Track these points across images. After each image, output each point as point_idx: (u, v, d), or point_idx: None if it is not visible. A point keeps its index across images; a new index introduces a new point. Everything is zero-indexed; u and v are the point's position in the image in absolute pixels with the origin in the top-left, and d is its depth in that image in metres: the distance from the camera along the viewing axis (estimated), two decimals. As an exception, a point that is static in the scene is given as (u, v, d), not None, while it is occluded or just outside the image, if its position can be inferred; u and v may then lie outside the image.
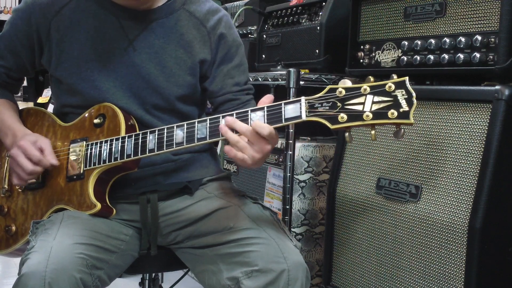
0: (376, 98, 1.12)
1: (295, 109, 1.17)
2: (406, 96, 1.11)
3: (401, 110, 1.10)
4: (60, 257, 1.19)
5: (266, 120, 1.20)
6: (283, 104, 1.19)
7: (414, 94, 1.10)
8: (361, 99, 1.13)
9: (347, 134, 1.18)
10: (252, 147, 1.20)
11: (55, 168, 1.44)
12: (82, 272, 1.21)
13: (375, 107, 1.12)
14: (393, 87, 1.11)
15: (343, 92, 1.14)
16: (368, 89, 1.13)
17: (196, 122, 1.27)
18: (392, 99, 1.11)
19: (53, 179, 1.44)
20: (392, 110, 1.11)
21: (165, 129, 1.31)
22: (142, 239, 1.46)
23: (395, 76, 1.13)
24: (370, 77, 1.14)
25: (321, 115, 1.16)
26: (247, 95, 1.56)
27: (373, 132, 1.15)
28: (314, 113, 1.16)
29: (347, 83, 1.15)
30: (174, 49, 1.47)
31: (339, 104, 1.14)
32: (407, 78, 1.11)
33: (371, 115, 1.12)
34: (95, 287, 1.25)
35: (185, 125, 1.29)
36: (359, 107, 1.13)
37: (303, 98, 1.17)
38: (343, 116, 1.14)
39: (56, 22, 1.45)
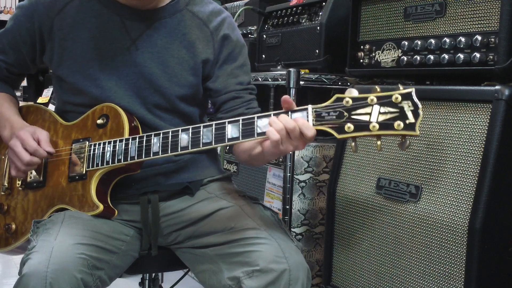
0: (383, 109, 1.12)
1: (302, 118, 1.18)
2: (413, 108, 1.11)
3: (407, 121, 1.11)
4: (61, 257, 1.19)
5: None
6: (290, 112, 1.19)
7: (420, 106, 1.11)
8: (367, 110, 1.13)
9: (353, 144, 1.18)
10: (291, 142, 1.19)
11: (56, 167, 1.44)
12: (83, 273, 1.21)
13: (381, 118, 1.12)
14: (399, 98, 1.11)
15: (350, 102, 1.14)
16: (375, 99, 1.13)
17: (202, 127, 1.27)
18: (398, 110, 1.11)
19: (55, 178, 1.44)
20: (398, 122, 1.11)
21: (170, 132, 1.31)
22: (142, 239, 1.46)
23: (401, 87, 1.13)
24: (376, 87, 1.14)
25: (328, 125, 1.16)
26: (250, 94, 1.55)
27: (379, 142, 1.15)
28: (320, 122, 1.17)
29: (353, 92, 1.15)
30: (177, 49, 1.47)
31: (346, 113, 1.14)
32: (413, 90, 1.12)
33: (377, 126, 1.12)
34: (96, 287, 1.26)
35: (190, 129, 1.28)
36: (366, 118, 1.13)
37: (310, 107, 1.18)
38: (349, 126, 1.14)
39: (59, 21, 1.46)
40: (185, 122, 1.40)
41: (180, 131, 1.29)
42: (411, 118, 1.11)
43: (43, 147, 1.40)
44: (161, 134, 1.32)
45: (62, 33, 1.46)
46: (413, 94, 1.11)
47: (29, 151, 1.39)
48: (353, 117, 1.14)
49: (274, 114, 1.20)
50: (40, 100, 3.40)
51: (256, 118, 1.22)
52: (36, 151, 1.39)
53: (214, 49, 1.50)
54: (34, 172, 1.47)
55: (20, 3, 1.52)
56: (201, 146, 1.26)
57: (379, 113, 1.12)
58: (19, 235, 1.47)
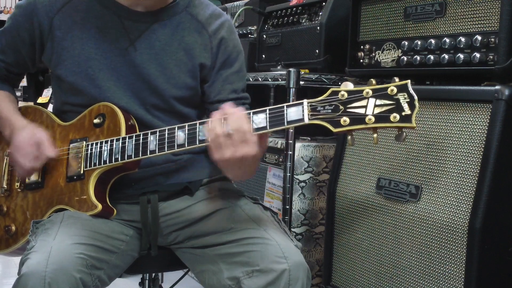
0: (378, 102, 1.12)
1: (298, 112, 1.17)
2: (408, 100, 1.10)
3: (403, 113, 1.10)
4: (60, 257, 1.19)
5: (268, 123, 1.20)
6: (285, 106, 1.18)
7: (416, 98, 1.10)
8: (363, 102, 1.13)
9: (349, 137, 1.17)
10: (229, 149, 1.18)
11: (54, 168, 1.44)
12: (82, 272, 1.21)
13: (377, 110, 1.12)
14: (395, 90, 1.11)
15: (346, 95, 1.14)
16: (370, 92, 1.12)
17: (198, 124, 1.27)
18: (394, 102, 1.11)
19: (53, 179, 1.44)
20: (394, 114, 1.10)
21: (166, 130, 1.31)
22: (142, 239, 1.46)
23: (397, 79, 1.13)
24: (372, 80, 1.14)
25: (323, 119, 1.15)
26: (242, 104, 1.54)
27: (375, 135, 1.14)
28: (316, 116, 1.16)
29: (349, 86, 1.15)
30: (175, 51, 1.47)
31: (341, 107, 1.14)
32: (409, 82, 1.11)
33: (373, 119, 1.11)
34: (95, 287, 1.25)
35: (186, 126, 1.28)
36: (362, 111, 1.12)
37: (305, 101, 1.17)
38: (345, 120, 1.13)
39: (58, 20, 1.45)
40: (184, 123, 1.39)
41: (176, 128, 1.29)
42: (407, 110, 1.10)
43: (44, 152, 1.41)
44: (158, 132, 1.32)
45: (61, 33, 1.45)
46: (409, 85, 1.11)
47: (29, 158, 1.40)
48: (348, 110, 1.13)
49: (270, 109, 1.20)
50: (40, 100, 3.40)
51: (252, 113, 1.21)
52: (37, 158, 1.40)
53: (212, 53, 1.50)
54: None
55: (18, 2, 1.51)
56: (197, 143, 1.26)
57: (375, 105, 1.12)
58: (19, 237, 1.47)
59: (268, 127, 1.19)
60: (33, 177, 1.47)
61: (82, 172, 1.40)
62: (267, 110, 1.20)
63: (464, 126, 1.51)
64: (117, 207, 1.43)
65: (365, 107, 1.12)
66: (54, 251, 1.20)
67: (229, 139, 1.18)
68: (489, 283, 1.47)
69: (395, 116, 1.10)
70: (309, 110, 1.16)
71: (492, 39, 1.47)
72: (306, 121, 1.16)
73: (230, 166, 1.22)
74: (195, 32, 1.49)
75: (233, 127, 1.18)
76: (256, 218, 1.38)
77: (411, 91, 1.11)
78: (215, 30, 1.50)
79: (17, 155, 1.41)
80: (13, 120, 1.48)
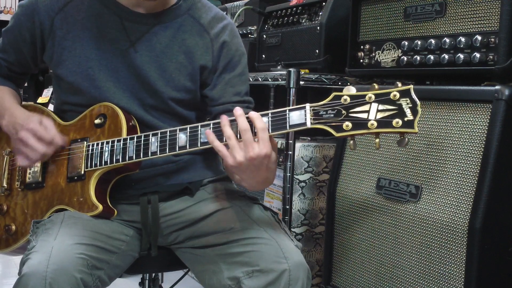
0: (381, 107, 1.12)
1: (300, 116, 1.17)
2: (411, 105, 1.10)
3: (405, 119, 1.10)
4: (60, 257, 1.19)
5: (270, 126, 1.19)
6: (287, 110, 1.18)
7: (418, 103, 1.10)
8: (365, 107, 1.13)
9: (351, 142, 1.17)
10: (242, 150, 1.18)
11: (55, 167, 1.44)
12: (83, 273, 1.21)
13: (379, 115, 1.12)
14: (398, 95, 1.11)
15: (348, 99, 1.14)
16: (373, 97, 1.12)
17: (199, 126, 1.27)
18: (396, 107, 1.11)
19: (54, 179, 1.44)
20: (396, 119, 1.10)
21: (168, 132, 1.31)
22: (142, 239, 1.46)
23: (399, 84, 1.13)
24: (374, 84, 1.14)
25: (326, 123, 1.15)
26: (246, 108, 1.52)
27: (377, 140, 1.15)
28: (318, 120, 1.16)
29: (351, 90, 1.15)
30: (175, 54, 1.47)
31: (344, 111, 1.14)
32: (411, 87, 1.11)
33: (375, 124, 1.11)
34: (96, 287, 1.26)
35: (188, 128, 1.28)
36: (364, 115, 1.13)
37: (307, 105, 1.17)
38: (348, 124, 1.13)
39: (59, 20, 1.45)
40: (183, 124, 1.40)
41: (178, 130, 1.29)
42: (409, 116, 1.10)
43: (55, 138, 1.39)
44: (159, 134, 1.31)
45: (62, 32, 1.45)
46: (411, 91, 1.11)
47: (45, 142, 1.38)
48: (351, 115, 1.14)
49: (272, 113, 1.20)
50: (40, 100, 3.40)
51: None
52: (50, 143, 1.38)
53: (213, 56, 1.49)
54: (32, 173, 1.47)
55: (21, 2, 1.52)
56: (199, 145, 1.26)
57: (377, 110, 1.12)
58: (19, 236, 1.47)
59: (270, 131, 1.19)
60: (34, 177, 1.47)
61: (82, 172, 1.40)
62: (269, 114, 1.20)
63: (464, 126, 1.51)
64: (117, 208, 1.43)
65: (368, 112, 1.12)
66: (55, 251, 1.20)
67: (239, 140, 1.18)
68: (489, 283, 1.47)
69: (397, 122, 1.10)
70: (312, 114, 1.16)
71: (492, 39, 1.48)
72: (309, 125, 1.16)
73: (244, 171, 1.22)
74: (196, 35, 1.49)
75: (241, 128, 1.18)
76: (256, 219, 1.39)
77: (414, 96, 1.11)
78: (217, 34, 1.50)
79: (30, 140, 1.37)
80: (13, 109, 1.47)
